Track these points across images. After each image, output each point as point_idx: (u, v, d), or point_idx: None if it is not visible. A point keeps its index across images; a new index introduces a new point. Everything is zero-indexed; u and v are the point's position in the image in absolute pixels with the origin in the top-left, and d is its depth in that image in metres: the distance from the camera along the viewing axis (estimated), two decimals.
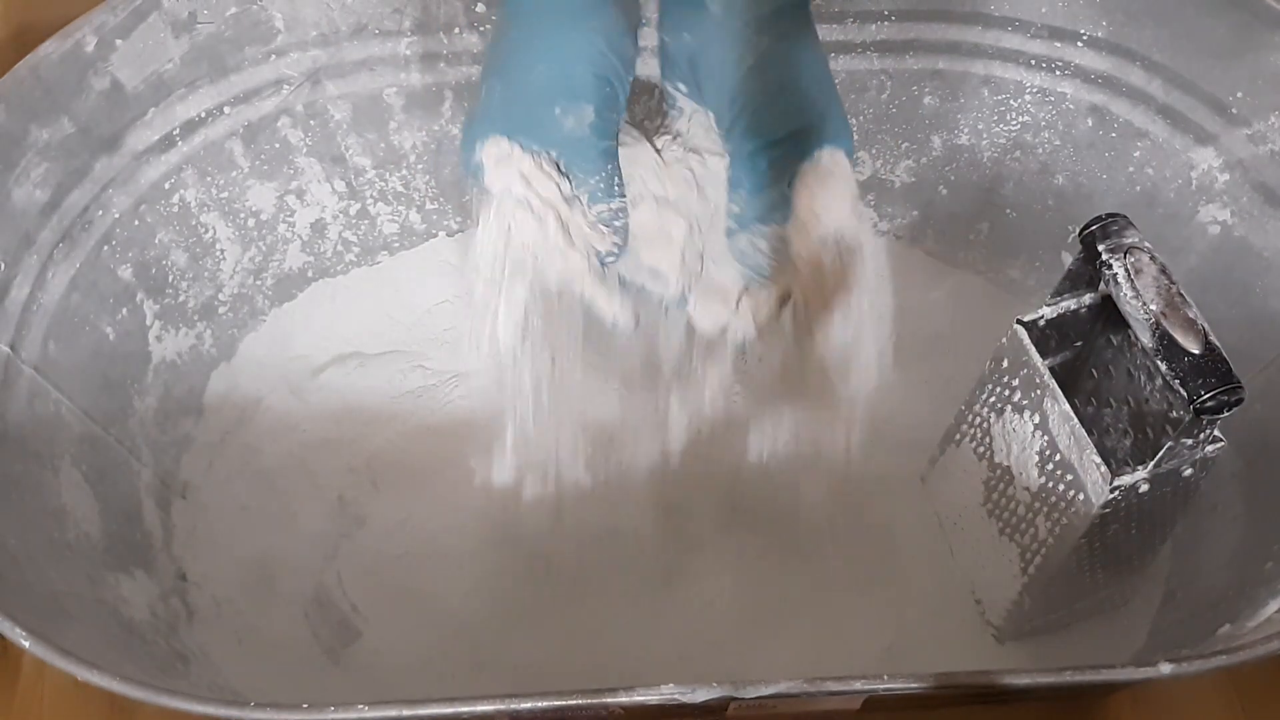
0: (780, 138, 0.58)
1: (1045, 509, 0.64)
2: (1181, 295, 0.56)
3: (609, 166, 0.58)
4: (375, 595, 0.71)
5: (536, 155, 0.57)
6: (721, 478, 0.76)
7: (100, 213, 0.71)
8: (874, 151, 0.83)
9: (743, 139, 0.59)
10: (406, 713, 0.50)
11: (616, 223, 0.58)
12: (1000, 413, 0.66)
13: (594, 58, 0.56)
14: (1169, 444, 0.57)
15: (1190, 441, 0.58)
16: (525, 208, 0.57)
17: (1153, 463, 0.58)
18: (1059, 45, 0.77)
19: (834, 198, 0.58)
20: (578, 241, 0.58)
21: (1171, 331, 0.55)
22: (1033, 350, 0.63)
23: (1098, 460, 0.59)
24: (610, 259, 0.60)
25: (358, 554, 0.73)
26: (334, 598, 0.71)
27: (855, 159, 0.82)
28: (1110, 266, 0.58)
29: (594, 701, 0.51)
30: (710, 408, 0.66)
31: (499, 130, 0.57)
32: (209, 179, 0.77)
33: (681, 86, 0.62)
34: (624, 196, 0.58)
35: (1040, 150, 0.81)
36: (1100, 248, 0.58)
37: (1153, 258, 0.58)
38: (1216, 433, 0.59)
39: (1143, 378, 0.61)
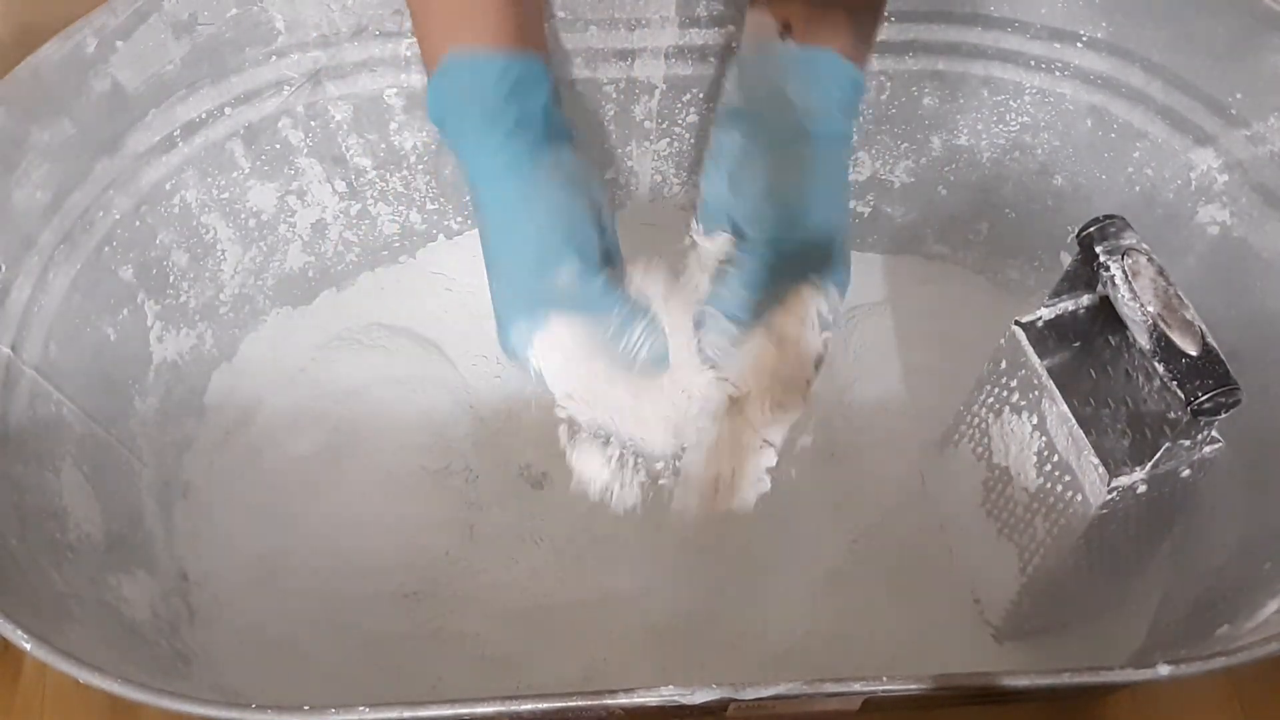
0: (788, 255, 0.60)
1: (1044, 509, 0.64)
2: (1179, 297, 0.57)
3: (618, 294, 0.57)
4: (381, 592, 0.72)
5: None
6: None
7: (101, 214, 0.71)
8: (874, 152, 0.83)
9: (756, 243, 0.60)
10: (407, 713, 0.50)
11: (652, 344, 0.57)
12: (999, 413, 0.66)
13: (561, 212, 0.57)
14: (1167, 445, 0.58)
15: (1188, 443, 0.58)
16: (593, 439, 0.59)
17: (1150, 463, 0.59)
18: (1059, 46, 0.77)
19: (812, 327, 0.60)
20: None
21: (1169, 333, 0.55)
22: (1031, 351, 0.63)
23: (1095, 461, 0.60)
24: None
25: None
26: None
27: (855, 159, 0.83)
28: (1108, 268, 0.58)
29: (594, 703, 0.51)
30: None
31: (523, 316, 0.57)
32: (210, 180, 0.77)
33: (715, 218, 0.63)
34: (648, 311, 0.58)
35: (1039, 151, 0.81)
36: (1098, 249, 0.58)
37: (1150, 259, 0.58)
38: (1214, 433, 0.59)
39: (1141, 379, 0.61)
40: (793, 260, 0.60)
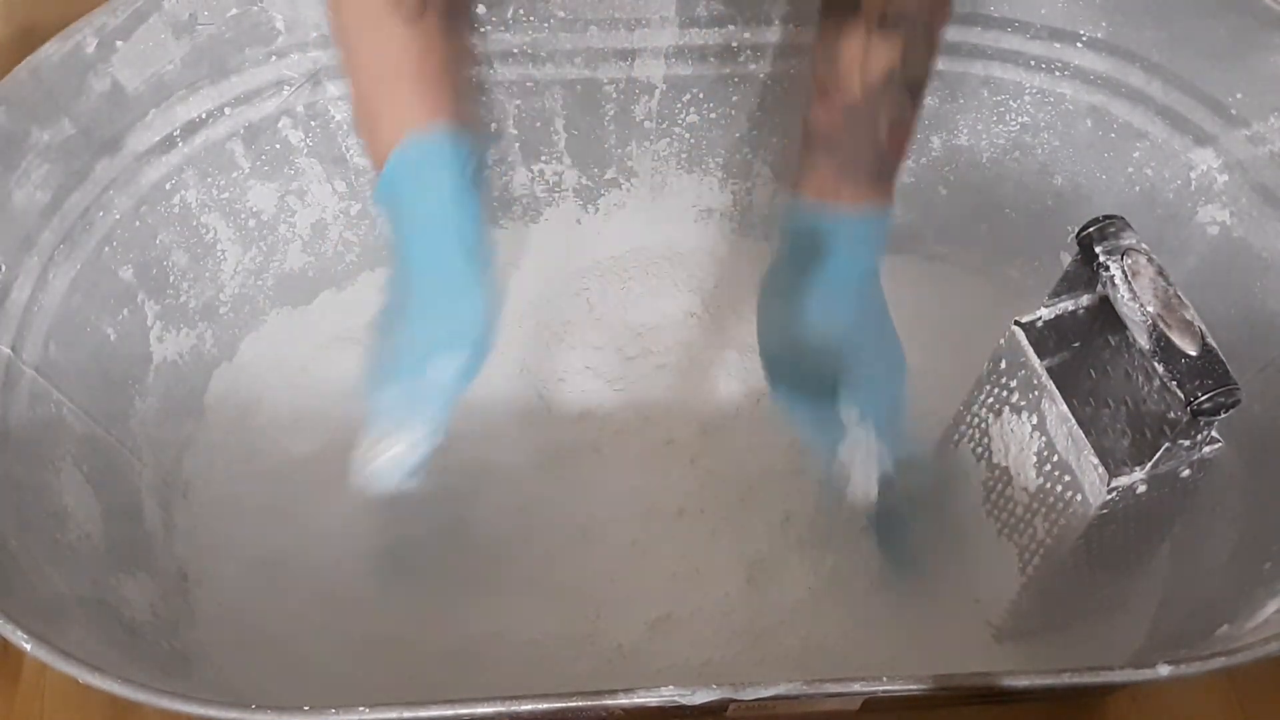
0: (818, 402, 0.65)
1: (1043, 510, 0.64)
2: (1179, 297, 0.57)
3: (444, 419, 0.61)
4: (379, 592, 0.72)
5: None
6: (728, 479, 0.77)
7: (101, 214, 0.71)
8: None
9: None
10: (407, 714, 0.50)
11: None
12: (998, 413, 0.66)
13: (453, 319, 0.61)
14: (1167, 445, 0.57)
15: (1188, 443, 0.58)
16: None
17: (1150, 464, 0.59)
18: (1058, 46, 0.77)
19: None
20: None
21: (1169, 333, 0.55)
22: (1030, 351, 0.63)
23: (1095, 461, 0.60)
24: None
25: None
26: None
27: None
28: (1107, 268, 0.58)
29: (594, 703, 0.51)
30: None
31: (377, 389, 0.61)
32: (210, 180, 0.77)
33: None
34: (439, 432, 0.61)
35: (1039, 151, 0.81)
36: (1097, 249, 0.58)
37: (1150, 259, 0.58)
38: (1214, 433, 0.59)
39: (1140, 379, 0.61)
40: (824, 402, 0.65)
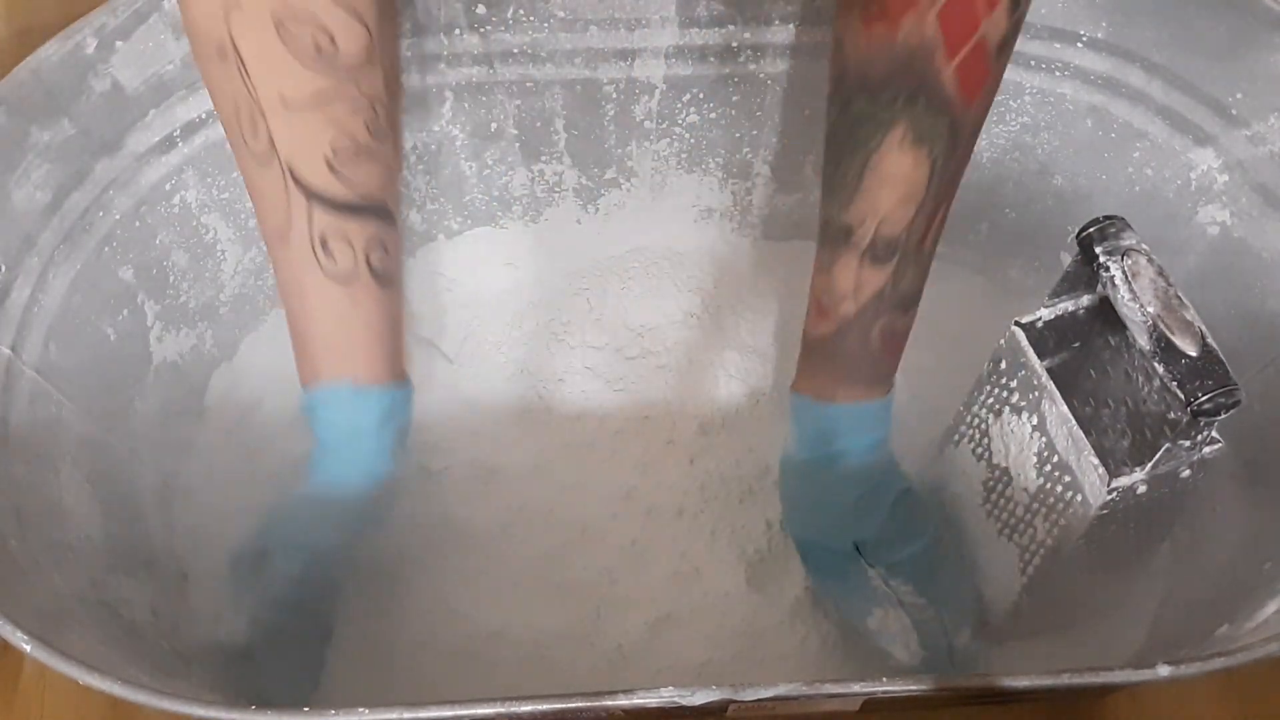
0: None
1: (1044, 510, 0.64)
2: (1179, 297, 0.57)
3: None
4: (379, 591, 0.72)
5: None
6: (729, 479, 0.77)
7: (101, 214, 0.71)
8: None
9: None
10: (407, 714, 0.50)
11: None
12: (998, 414, 0.66)
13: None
14: (1167, 445, 0.57)
15: (1188, 443, 0.58)
16: None
17: (1150, 464, 0.59)
18: (1058, 46, 0.77)
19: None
20: None
21: (1169, 333, 0.55)
22: (1030, 351, 0.63)
23: (1095, 461, 0.60)
24: None
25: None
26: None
27: None
28: (1107, 269, 0.58)
29: (594, 704, 0.51)
30: None
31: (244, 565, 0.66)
32: (210, 180, 0.77)
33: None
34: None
35: (1039, 151, 0.81)
36: (1097, 250, 0.58)
37: (1150, 259, 0.58)
38: (1214, 434, 0.59)
39: (1141, 379, 0.61)
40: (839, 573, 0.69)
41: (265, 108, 0.57)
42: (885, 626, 0.67)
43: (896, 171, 0.61)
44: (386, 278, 0.63)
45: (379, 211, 0.62)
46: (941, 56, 0.57)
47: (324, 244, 0.61)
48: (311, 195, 0.59)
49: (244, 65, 0.56)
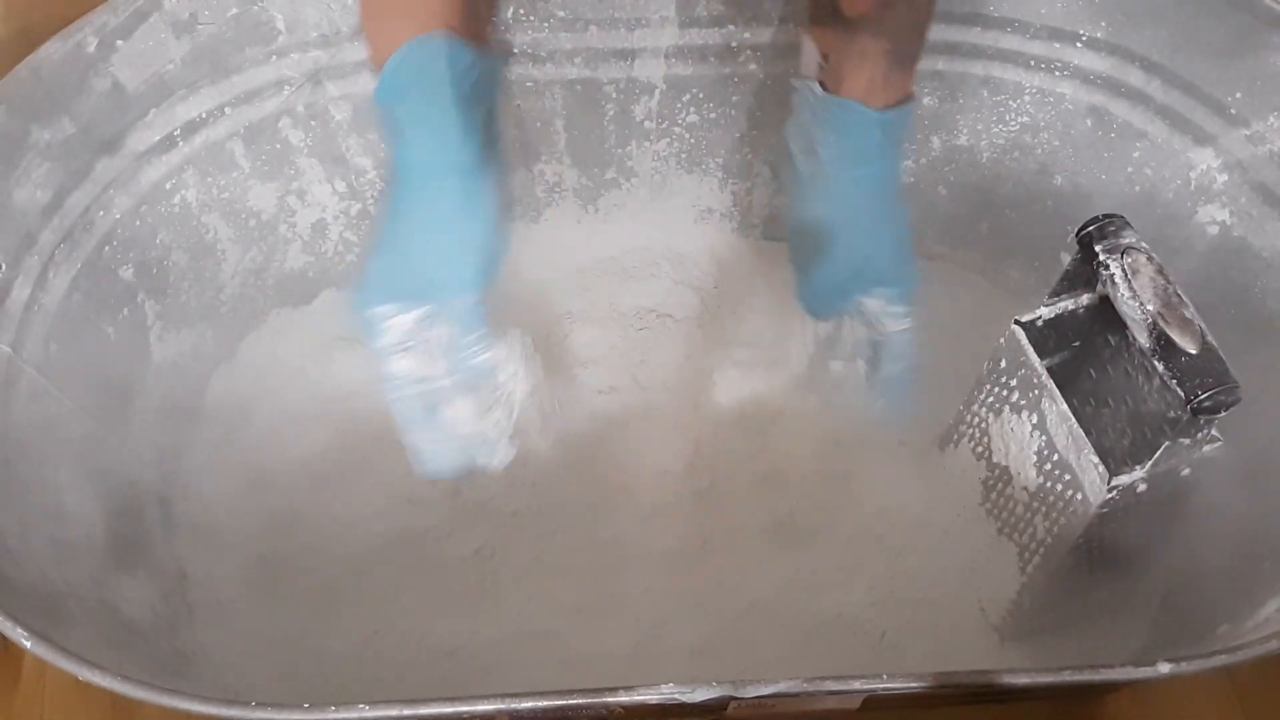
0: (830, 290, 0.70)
1: (1044, 509, 0.64)
2: (1178, 295, 0.57)
3: (481, 317, 0.60)
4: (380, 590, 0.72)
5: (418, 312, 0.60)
6: (729, 479, 0.77)
7: (101, 213, 0.71)
8: None
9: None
10: (407, 712, 0.50)
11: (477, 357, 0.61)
12: (998, 413, 0.66)
13: (480, 225, 0.59)
14: (1167, 444, 0.57)
15: (1188, 441, 0.58)
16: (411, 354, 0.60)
17: (1150, 462, 0.59)
18: (1058, 46, 0.78)
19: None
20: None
21: (1169, 331, 0.55)
22: (1030, 350, 0.63)
23: (1095, 460, 0.60)
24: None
25: None
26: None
27: None
28: (1107, 267, 0.58)
29: (594, 701, 0.51)
30: None
31: (384, 300, 0.59)
32: (210, 179, 0.77)
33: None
34: (489, 348, 0.61)
35: (1039, 151, 0.81)
36: (1097, 248, 0.58)
37: (1150, 258, 0.58)
38: (1214, 432, 0.59)
39: (1140, 378, 0.61)
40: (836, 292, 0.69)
41: None
42: (844, 378, 0.69)
43: None
44: None
45: None
46: None
47: None
48: None
49: None
